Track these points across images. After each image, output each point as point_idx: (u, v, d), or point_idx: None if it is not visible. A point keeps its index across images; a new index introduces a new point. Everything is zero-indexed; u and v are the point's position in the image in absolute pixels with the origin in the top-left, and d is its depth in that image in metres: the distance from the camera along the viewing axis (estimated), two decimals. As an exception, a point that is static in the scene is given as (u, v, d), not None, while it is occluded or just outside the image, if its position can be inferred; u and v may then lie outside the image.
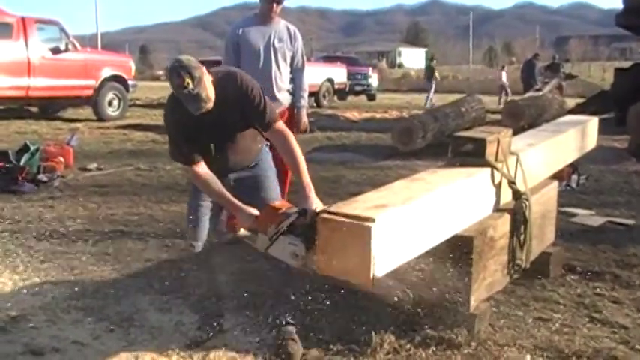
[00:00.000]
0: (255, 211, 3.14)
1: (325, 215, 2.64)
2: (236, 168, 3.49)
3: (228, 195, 3.29)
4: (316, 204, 3.01)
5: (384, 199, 2.79)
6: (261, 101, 3.28)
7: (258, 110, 3.27)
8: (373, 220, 2.49)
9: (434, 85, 25.54)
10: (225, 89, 3.22)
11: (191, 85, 2.97)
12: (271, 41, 5.08)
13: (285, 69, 5.20)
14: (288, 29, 5.19)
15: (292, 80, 5.35)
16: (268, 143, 3.61)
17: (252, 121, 3.34)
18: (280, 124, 3.34)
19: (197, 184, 3.45)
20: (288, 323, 3.45)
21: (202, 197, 3.59)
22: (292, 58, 5.24)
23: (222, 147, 3.36)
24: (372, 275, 2.49)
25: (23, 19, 14.46)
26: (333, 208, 2.68)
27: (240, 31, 5.08)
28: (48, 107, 16.07)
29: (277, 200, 3.37)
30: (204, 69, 3.08)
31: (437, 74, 26.51)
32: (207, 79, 3.09)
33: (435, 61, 27.92)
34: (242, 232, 3.21)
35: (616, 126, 13.53)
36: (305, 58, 5.43)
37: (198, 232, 3.67)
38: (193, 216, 3.63)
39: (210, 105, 3.11)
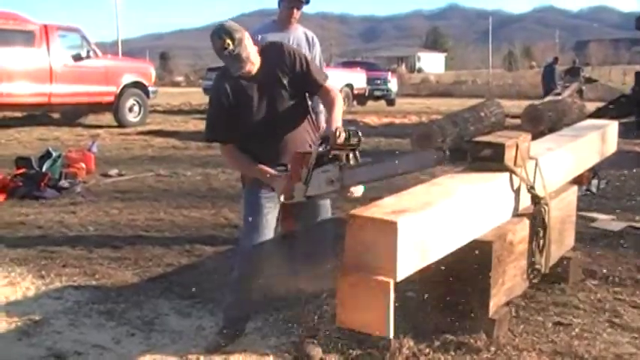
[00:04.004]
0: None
1: (352, 212, 2.66)
2: (287, 154, 3.37)
3: (259, 165, 3.31)
4: (337, 125, 3.00)
5: (403, 204, 2.80)
6: (309, 64, 3.34)
7: (305, 71, 3.31)
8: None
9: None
10: (270, 58, 3.29)
11: (231, 46, 3.06)
12: (290, 47, 5.09)
13: (304, 75, 5.21)
14: (306, 35, 5.20)
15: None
16: None
17: (299, 86, 3.34)
18: (330, 84, 3.39)
19: (227, 159, 3.50)
20: (307, 327, 3.46)
21: (262, 200, 3.40)
22: (311, 64, 5.25)
23: (271, 123, 3.33)
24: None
25: (45, 26, 14.60)
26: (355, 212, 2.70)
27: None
28: (69, 114, 16.19)
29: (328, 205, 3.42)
30: (246, 33, 3.15)
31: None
32: (249, 43, 3.16)
33: None
34: (282, 198, 3.20)
35: (637, 130, 13.44)
36: (323, 63, 5.44)
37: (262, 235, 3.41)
38: (254, 219, 3.40)
39: (250, 68, 3.18)
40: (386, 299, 2.49)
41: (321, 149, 2.92)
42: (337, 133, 2.85)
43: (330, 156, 2.90)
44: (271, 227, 3.42)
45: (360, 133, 2.93)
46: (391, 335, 2.57)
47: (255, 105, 3.28)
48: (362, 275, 2.55)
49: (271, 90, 3.27)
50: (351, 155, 2.89)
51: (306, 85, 3.36)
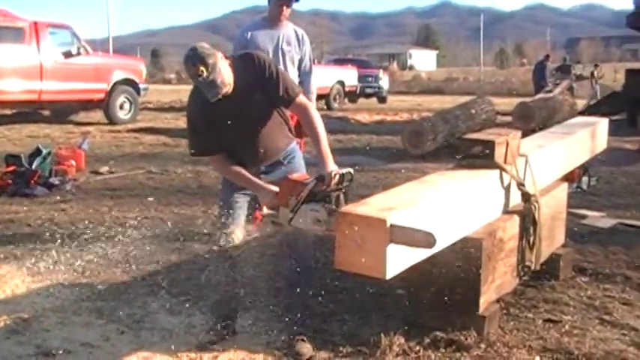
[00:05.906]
0: (275, 188, 3.15)
1: (343, 210, 2.68)
2: (265, 161, 3.43)
3: (249, 175, 3.31)
4: (333, 168, 3.01)
5: (392, 202, 2.80)
6: (279, 76, 3.28)
7: (277, 85, 3.26)
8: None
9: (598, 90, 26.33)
10: (243, 70, 3.23)
11: (205, 73, 3.01)
12: (279, 45, 5.09)
13: (294, 72, 5.21)
14: (296, 32, 5.21)
15: (300, 83, 5.35)
16: (299, 141, 3.62)
17: (272, 99, 3.31)
18: (302, 98, 3.35)
19: (217, 168, 3.52)
20: (297, 325, 3.46)
21: (235, 193, 3.50)
22: (300, 62, 5.25)
23: (247, 134, 3.33)
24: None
25: (35, 23, 14.51)
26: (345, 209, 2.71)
27: (249, 34, 5.10)
28: (60, 111, 16.12)
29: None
30: (219, 55, 3.10)
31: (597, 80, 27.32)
32: (223, 65, 3.11)
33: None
34: (265, 210, 3.21)
35: (627, 127, 13.51)
36: (312, 61, 5.44)
37: (231, 226, 3.50)
38: (226, 210, 3.51)
39: (227, 90, 3.14)
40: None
41: (313, 185, 2.94)
42: (332, 175, 2.90)
43: (321, 196, 2.91)
44: (240, 218, 3.49)
45: (352, 174, 2.96)
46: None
47: (231, 118, 3.25)
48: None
49: (245, 102, 3.24)
50: (341, 196, 2.90)
51: (276, 98, 3.31)
